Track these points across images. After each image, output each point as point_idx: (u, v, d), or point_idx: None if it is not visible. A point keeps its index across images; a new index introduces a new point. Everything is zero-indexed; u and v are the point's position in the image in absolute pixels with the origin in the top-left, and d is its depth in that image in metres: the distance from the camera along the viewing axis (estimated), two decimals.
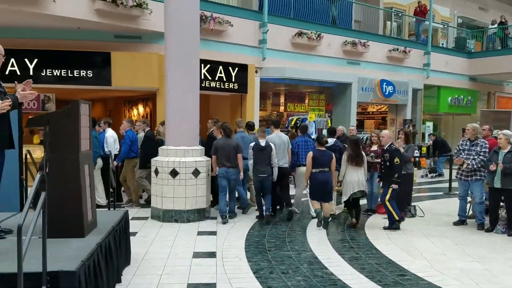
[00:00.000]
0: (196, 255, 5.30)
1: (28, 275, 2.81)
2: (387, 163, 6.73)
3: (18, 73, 10.50)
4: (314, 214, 7.26)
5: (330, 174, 6.96)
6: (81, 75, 10.92)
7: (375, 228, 6.87)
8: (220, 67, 12.23)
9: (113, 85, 11.15)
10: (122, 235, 4.71)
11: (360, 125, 18.36)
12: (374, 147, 8.05)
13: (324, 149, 7.07)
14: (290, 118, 13.68)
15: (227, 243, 5.83)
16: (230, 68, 12.41)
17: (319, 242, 6.01)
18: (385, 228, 6.81)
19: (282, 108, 16.40)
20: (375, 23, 17.20)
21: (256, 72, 13.02)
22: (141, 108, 16.39)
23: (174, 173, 7.04)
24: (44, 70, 10.71)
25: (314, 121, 12.75)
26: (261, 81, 13.28)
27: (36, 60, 10.62)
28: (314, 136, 12.19)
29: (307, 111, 15.31)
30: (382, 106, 18.23)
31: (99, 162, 8.16)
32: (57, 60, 10.77)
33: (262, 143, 7.24)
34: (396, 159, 6.57)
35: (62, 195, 3.82)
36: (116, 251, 4.28)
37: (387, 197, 6.65)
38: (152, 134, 8.87)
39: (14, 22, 9.99)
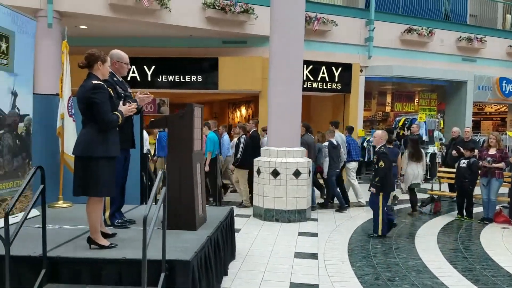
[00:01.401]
0: (298, 255, 5.35)
1: (150, 262, 3.09)
2: (376, 166, 6.30)
3: (138, 79, 11.62)
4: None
5: (397, 168, 8.04)
6: (192, 80, 11.70)
7: (491, 238, 6.28)
8: (323, 67, 12.18)
9: (219, 88, 11.76)
10: (228, 231, 4.94)
11: (476, 127, 16.92)
12: (492, 151, 7.35)
13: (392, 146, 8.16)
14: (397, 118, 13.10)
15: (329, 246, 5.78)
16: (333, 68, 12.29)
17: (428, 251, 5.68)
18: (369, 236, 6.31)
19: (388, 108, 15.78)
20: (493, 17, 15.69)
21: (361, 71, 12.72)
22: (243, 110, 16.99)
23: (275, 173, 7.18)
24: (160, 76, 11.68)
25: (424, 122, 12.03)
26: (366, 80, 12.93)
27: (153, 67, 11.63)
28: (425, 138, 11.53)
29: (417, 111, 14.52)
30: (501, 106, 16.55)
31: None
32: (171, 67, 11.69)
33: (334, 142, 8.32)
34: (381, 163, 6.17)
35: (177, 191, 4.14)
36: (223, 245, 4.51)
37: (380, 204, 6.16)
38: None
39: (136, 32, 11.05)
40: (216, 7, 10.35)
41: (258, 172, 7.43)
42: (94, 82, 3.36)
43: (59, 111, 5.22)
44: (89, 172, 3.33)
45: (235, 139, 9.09)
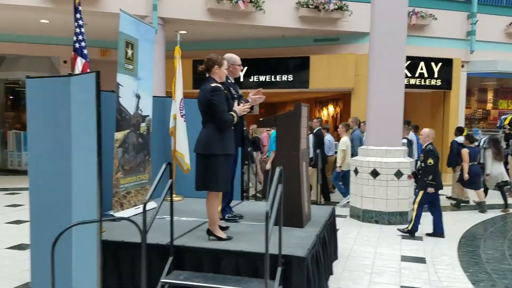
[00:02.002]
0: (404, 258, 5.18)
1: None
2: (422, 164, 6.19)
3: None
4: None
5: (479, 167, 8.20)
6: (282, 80, 11.86)
7: None
8: (421, 63, 11.64)
9: (310, 87, 11.78)
10: (332, 230, 4.96)
11: None
12: None
13: (474, 146, 8.33)
14: (503, 116, 12.08)
15: (437, 250, 5.53)
16: (432, 63, 11.69)
17: None
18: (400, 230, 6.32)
19: (489, 106, 14.64)
20: None
21: (463, 66, 11.95)
22: (331, 108, 16.81)
23: (374, 174, 7.02)
24: (251, 77, 12.01)
25: None
26: (468, 76, 12.12)
27: (245, 68, 11.97)
28: None
29: None
30: None
31: None
32: (262, 67, 11.96)
33: (410, 139, 8.61)
34: (429, 160, 6.03)
35: (286, 189, 4.23)
36: (329, 244, 4.54)
37: (418, 199, 6.12)
38: (247, 133, 9.30)
39: (230, 34, 11.48)
40: (310, 6, 10.38)
41: (356, 172, 7.32)
42: (212, 85, 3.58)
43: (172, 112, 5.60)
44: (209, 168, 3.55)
45: None
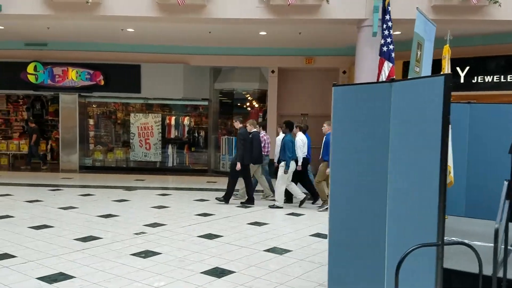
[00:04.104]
0: None
1: None
2: None
3: None
4: None
5: None
6: None
7: None
8: None
9: None
10: None
11: None
12: None
13: None
14: None
15: None
16: None
17: None
18: None
19: None
20: None
21: None
22: None
23: None
24: (475, 77, 10.68)
25: None
26: None
27: (467, 67, 10.72)
28: None
29: None
30: None
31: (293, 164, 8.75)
32: (490, 66, 10.52)
33: None
34: None
35: None
36: None
37: None
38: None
39: (453, 32, 10.37)
40: None
41: None
42: None
43: None
44: None
45: None
